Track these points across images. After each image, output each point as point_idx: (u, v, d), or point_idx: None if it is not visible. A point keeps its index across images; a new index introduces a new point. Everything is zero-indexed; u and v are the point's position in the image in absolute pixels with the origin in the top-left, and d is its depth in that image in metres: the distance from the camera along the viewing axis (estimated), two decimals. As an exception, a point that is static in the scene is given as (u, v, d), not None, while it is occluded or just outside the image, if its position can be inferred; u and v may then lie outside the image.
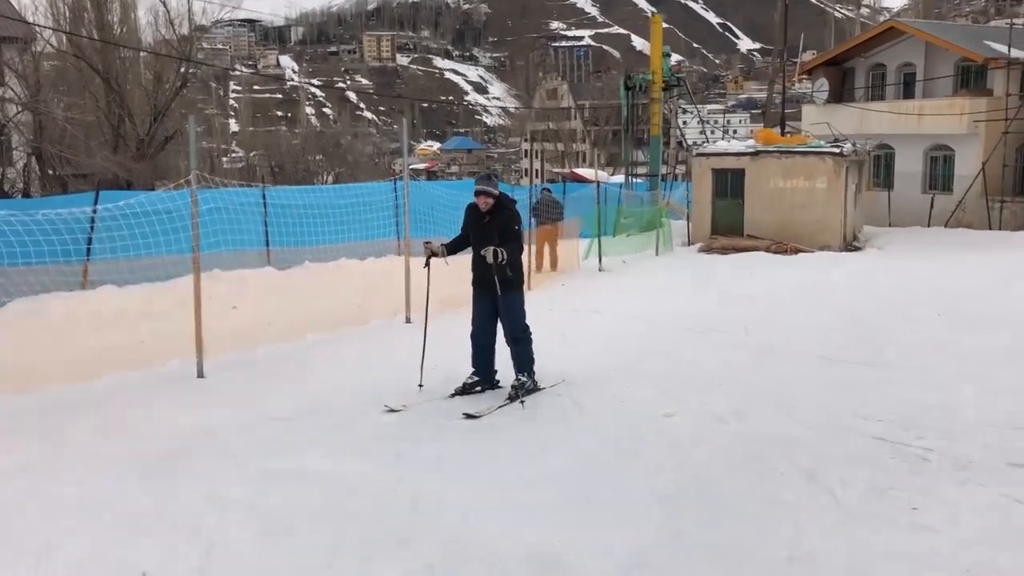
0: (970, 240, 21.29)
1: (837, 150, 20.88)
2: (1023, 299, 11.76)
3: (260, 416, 6.85)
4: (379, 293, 12.45)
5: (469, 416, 6.69)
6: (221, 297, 12.79)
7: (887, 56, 28.70)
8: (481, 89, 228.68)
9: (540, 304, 11.03)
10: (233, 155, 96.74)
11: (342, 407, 7.11)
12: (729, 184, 22.03)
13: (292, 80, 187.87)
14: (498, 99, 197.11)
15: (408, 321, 11.13)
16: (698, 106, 42.25)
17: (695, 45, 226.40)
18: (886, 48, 28.61)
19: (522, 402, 7.05)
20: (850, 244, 21.13)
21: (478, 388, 7.46)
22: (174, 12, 31.17)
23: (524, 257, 7.71)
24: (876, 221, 25.76)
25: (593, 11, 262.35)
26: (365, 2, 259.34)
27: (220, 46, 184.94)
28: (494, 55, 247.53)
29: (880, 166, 28.14)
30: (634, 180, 29.88)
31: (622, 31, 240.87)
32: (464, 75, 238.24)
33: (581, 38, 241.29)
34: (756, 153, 21.65)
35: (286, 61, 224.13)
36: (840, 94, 29.53)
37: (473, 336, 7.49)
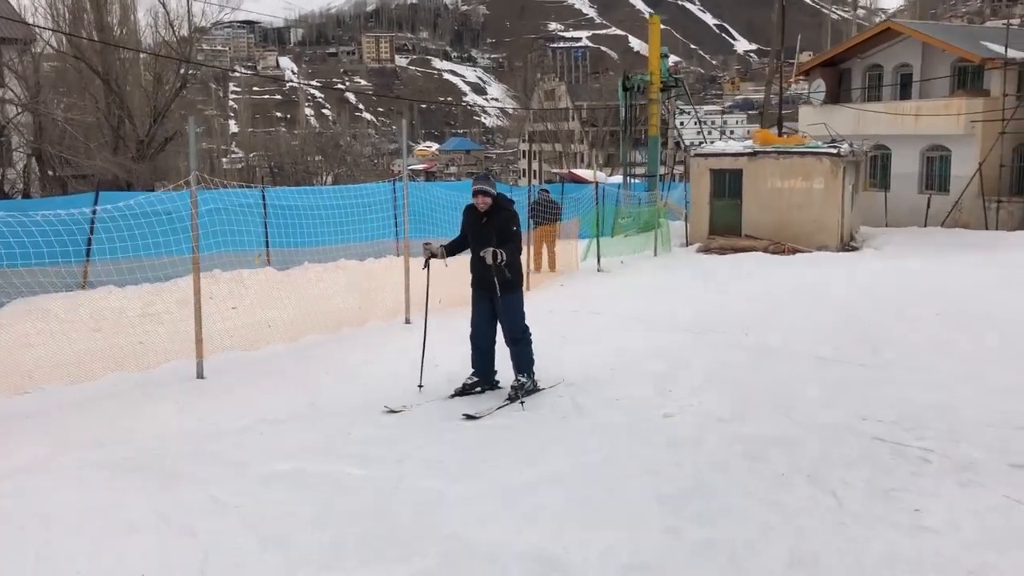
0: (967, 240, 21.31)
1: (834, 151, 20.91)
2: (1020, 299, 11.80)
3: (260, 418, 6.84)
4: (379, 294, 12.47)
5: (469, 417, 6.70)
6: (221, 298, 12.80)
7: (884, 57, 28.73)
8: (479, 90, 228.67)
9: (539, 305, 11.04)
10: (233, 156, 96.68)
11: (342, 408, 7.11)
12: (727, 184, 22.05)
13: (291, 81, 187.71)
14: (496, 100, 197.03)
15: (408, 322, 11.15)
16: (696, 107, 42.28)
17: (692, 46, 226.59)
18: (883, 49, 28.64)
19: (522, 403, 7.07)
20: (847, 244, 21.16)
21: (478, 389, 7.48)
22: (173, 14, 31.20)
23: (522, 258, 7.73)
24: (873, 221, 25.79)
25: (591, 12, 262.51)
26: (364, 3, 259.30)
27: (220, 47, 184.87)
28: (492, 56, 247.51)
29: (877, 166, 28.17)
30: (632, 181, 29.92)
31: (620, 32, 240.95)
32: (462, 76, 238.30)
33: (579, 39, 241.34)
34: (754, 154, 21.67)
35: (285, 62, 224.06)
36: (837, 95, 29.57)
37: (473, 337, 7.51)
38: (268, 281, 14.63)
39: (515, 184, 58.21)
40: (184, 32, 31.62)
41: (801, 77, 32.15)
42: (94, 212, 13.85)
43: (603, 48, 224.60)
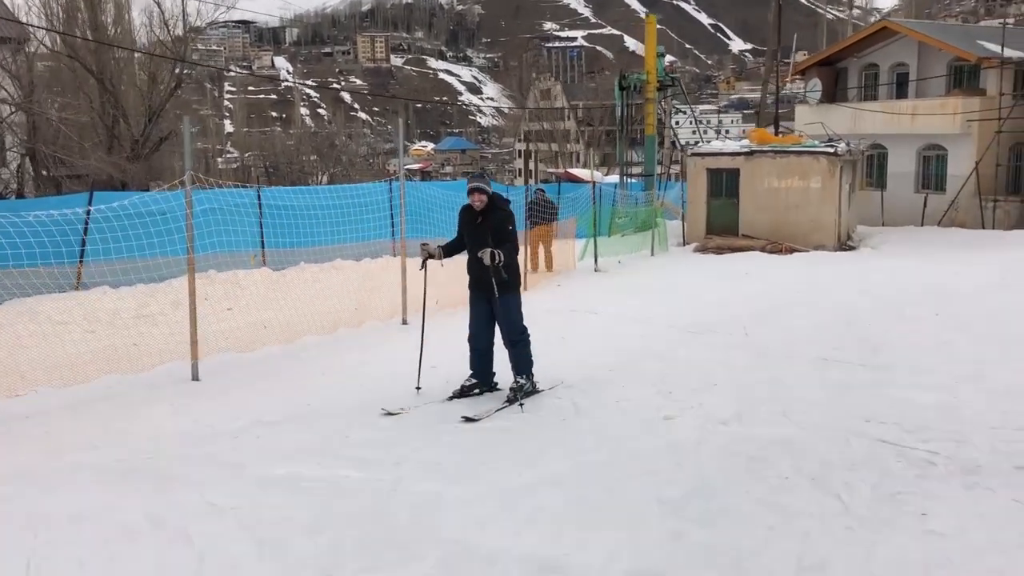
0: (964, 239, 21.30)
1: (831, 150, 20.89)
2: (1019, 299, 11.76)
3: (255, 420, 6.78)
4: (375, 295, 12.40)
5: (468, 419, 6.63)
6: (216, 299, 12.72)
7: (880, 56, 28.73)
8: (475, 90, 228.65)
9: (536, 305, 10.99)
10: (228, 156, 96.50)
11: (339, 410, 7.05)
12: (724, 184, 22.01)
13: (287, 81, 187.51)
14: (492, 100, 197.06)
15: (405, 323, 11.09)
16: (692, 107, 42.26)
17: (687, 46, 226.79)
18: (879, 48, 28.64)
19: (521, 404, 7.01)
20: (844, 244, 21.14)
21: (476, 391, 7.42)
22: (168, 13, 31.06)
23: (519, 258, 7.68)
24: (869, 221, 25.78)
25: (586, 12, 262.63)
26: (359, 3, 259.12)
27: (215, 47, 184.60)
28: (488, 56, 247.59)
29: (873, 166, 28.16)
30: (629, 180, 29.89)
31: (615, 32, 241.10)
32: (458, 76, 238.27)
33: (574, 39, 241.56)
34: (751, 153, 21.63)
35: (280, 62, 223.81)
36: (833, 94, 29.57)
37: (471, 339, 7.45)
38: (264, 282, 14.55)
39: (511, 184, 58.16)
40: (179, 31, 31.51)
41: (797, 76, 32.13)
42: (88, 212, 13.76)
43: (598, 48, 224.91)
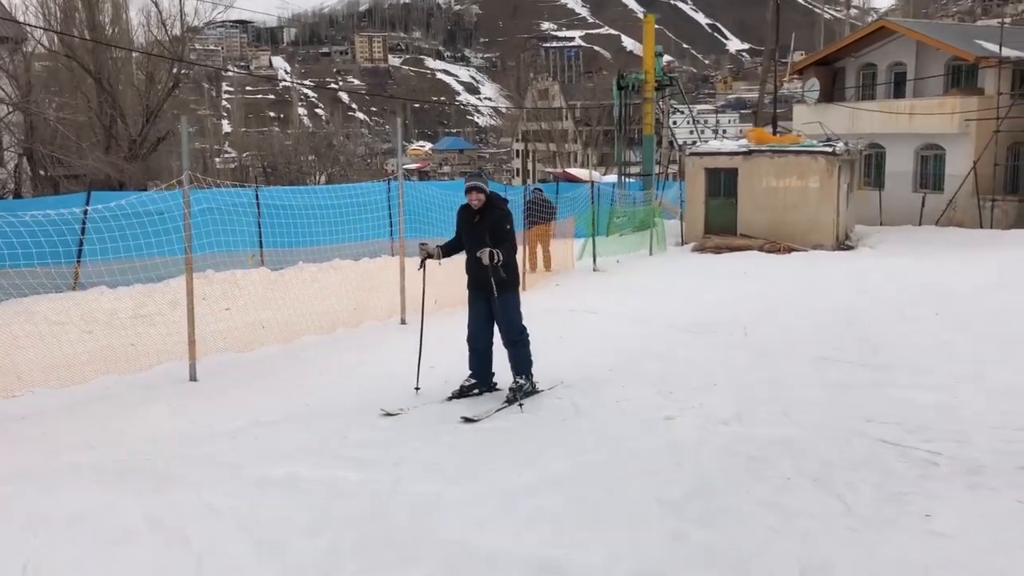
0: (962, 239, 21.29)
1: (830, 149, 20.88)
2: (1019, 298, 11.75)
3: (254, 421, 6.75)
4: (374, 294, 12.37)
5: (467, 420, 6.60)
6: (214, 299, 12.70)
7: (878, 56, 28.73)
8: (472, 89, 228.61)
9: (535, 304, 10.96)
10: (226, 156, 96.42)
11: (337, 411, 7.02)
12: (722, 183, 21.99)
13: (284, 81, 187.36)
14: (489, 99, 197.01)
15: (403, 323, 11.06)
16: (690, 106, 42.27)
17: (684, 45, 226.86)
18: (877, 48, 28.65)
19: (520, 405, 6.98)
20: (842, 243, 21.12)
21: (475, 391, 7.39)
22: (166, 13, 31.07)
23: (518, 257, 7.66)
24: (867, 220, 25.77)
25: (583, 12, 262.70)
26: (357, 3, 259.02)
27: (212, 47, 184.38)
28: (485, 56, 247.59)
29: (871, 165, 28.16)
30: (627, 180, 29.88)
31: (612, 32, 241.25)
32: (456, 76, 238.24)
33: (572, 39, 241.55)
34: (749, 152, 21.61)
35: (278, 62, 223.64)
36: (831, 94, 29.56)
37: (470, 339, 7.42)
38: (262, 281, 14.52)
39: (508, 183, 58.16)
40: (177, 31, 31.46)
41: (795, 76, 32.12)
42: (85, 212, 13.71)
43: (596, 48, 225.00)
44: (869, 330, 9.86)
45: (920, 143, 26.53)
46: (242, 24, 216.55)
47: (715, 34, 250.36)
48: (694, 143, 25.83)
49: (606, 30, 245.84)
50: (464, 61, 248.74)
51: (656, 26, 29.09)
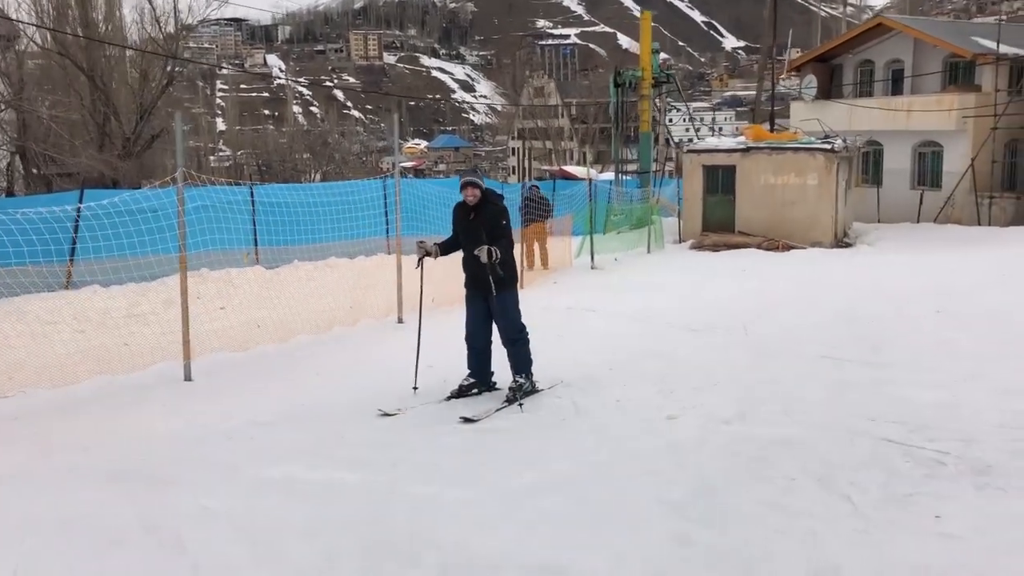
0: (960, 236, 21.25)
1: (828, 146, 20.81)
2: (1018, 296, 11.68)
3: (249, 421, 6.65)
4: (370, 293, 12.26)
5: (467, 420, 6.51)
6: (208, 297, 12.59)
7: (875, 53, 28.68)
8: (468, 87, 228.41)
9: (533, 302, 10.85)
10: (220, 154, 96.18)
11: (335, 411, 6.93)
12: (720, 181, 21.92)
13: (279, 78, 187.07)
14: (485, 97, 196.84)
15: (400, 321, 10.96)
16: (687, 104, 42.24)
17: (680, 43, 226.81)
18: (874, 44, 28.60)
19: (520, 404, 6.89)
20: (841, 241, 21.07)
21: (474, 390, 7.29)
22: (160, 10, 30.82)
23: (515, 254, 7.56)
24: (865, 218, 25.72)
25: (579, 9, 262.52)
26: (351, 1, 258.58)
27: (207, 45, 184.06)
28: (481, 53, 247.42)
29: (868, 162, 28.11)
30: (624, 177, 29.79)
31: (608, 29, 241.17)
32: (451, 73, 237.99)
33: (567, 36, 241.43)
34: (747, 149, 21.53)
35: (273, 60, 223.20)
36: (828, 91, 29.50)
37: (468, 338, 7.33)
38: (257, 280, 14.42)
39: (504, 181, 58.09)
40: (171, 29, 31.28)
41: (793, 72, 32.07)
42: (78, 210, 13.58)
43: (591, 45, 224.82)
44: (869, 328, 9.78)
45: (918, 140, 26.49)
46: (236, 22, 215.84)
47: (711, 32, 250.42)
48: (690, 140, 25.74)
49: (602, 28, 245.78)
50: (459, 59, 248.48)
51: (652, 23, 28.96)
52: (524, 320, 7.34)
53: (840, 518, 4.50)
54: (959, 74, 26.36)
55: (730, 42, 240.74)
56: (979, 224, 23.95)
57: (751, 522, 4.49)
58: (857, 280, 14.10)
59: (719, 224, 21.71)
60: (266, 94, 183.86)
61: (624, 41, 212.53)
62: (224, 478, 5.32)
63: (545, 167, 59.48)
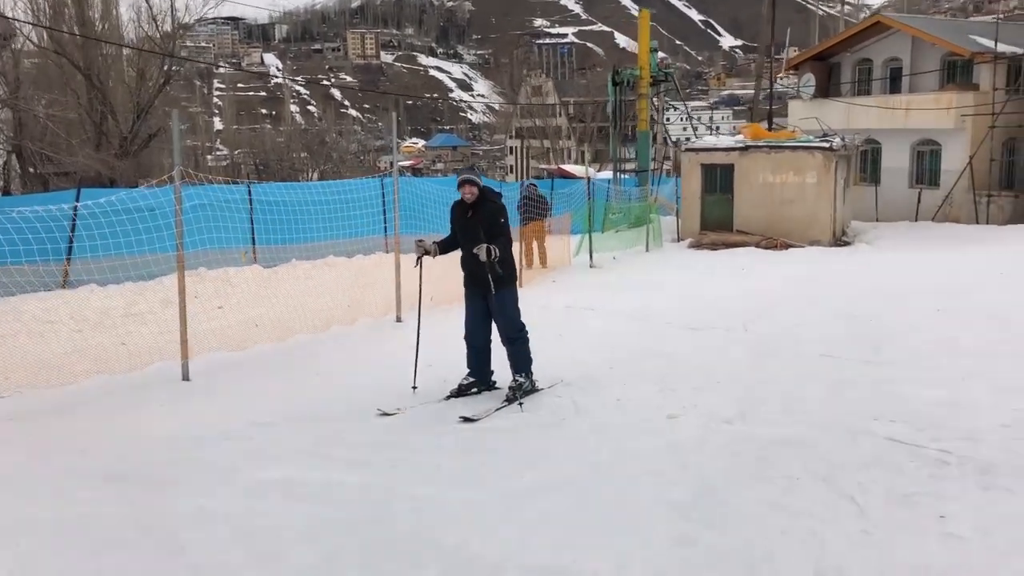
0: (959, 235, 21.24)
1: (827, 144, 20.78)
2: (1017, 295, 11.66)
3: (248, 422, 6.59)
4: (369, 292, 12.21)
5: (467, 419, 6.47)
6: (206, 297, 12.53)
7: (873, 51, 28.66)
8: (466, 86, 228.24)
9: (532, 301, 10.81)
10: (218, 153, 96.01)
11: (333, 412, 6.87)
12: (718, 179, 21.88)
13: (276, 77, 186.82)
14: (483, 96, 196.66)
15: (399, 320, 10.91)
16: (685, 103, 42.19)
17: (677, 42, 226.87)
18: (872, 43, 28.57)
19: (520, 404, 6.84)
20: (839, 239, 21.04)
21: (474, 390, 7.25)
22: (156, 8, 30.76)
23: (513, 252, 7.52)
24: (863, 216, 25.70)
25: (576, 8, 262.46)
26: (349, 0, 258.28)
27: (204, 44, 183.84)
28: (478, 52, 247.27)
29: (867, 161, 28.08)
30: (622, 176, 29.71)
31: (605, 28, 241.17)
32: (448, 72, 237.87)
33: (565, 35, 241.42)
34: (745, 148, 21.50)
35: (270, 59, 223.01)
36: (827, 89, 29.46)
37: (467, 337, 7.28)
38: (255, 279, 14.36)
39: (502, 180, 58.03)
40: (167, 27, 31.22)
41: (791, 71, 32.03)
42: (75, 209, 13.51)
43: (589, 44, 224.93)
44: (869, 327, 9.75)
45: (916, 139, 26.46)
46: (233, 21, 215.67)
47: (708, 30, 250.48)
48: (687, 139, 25.70)
49: (599, 27, 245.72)
50: (457, 58, 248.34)
51: (649, 22, 28.86)
52: (523, 319, 7.30)
53: (843, 518, 4.46)
54: (957, 73, 26.34)
55: (727, 41, 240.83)
56: (977, 223, 23.93)
57: (756, 523, 4.46)
58: (856, 279, 14.07)
59: (717, 223, 21.68)
60: (263, 93, 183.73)
61: (622, 40, 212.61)
62: (222, 479, 5.27)
63: (543, 166, 59.41)
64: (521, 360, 7.16)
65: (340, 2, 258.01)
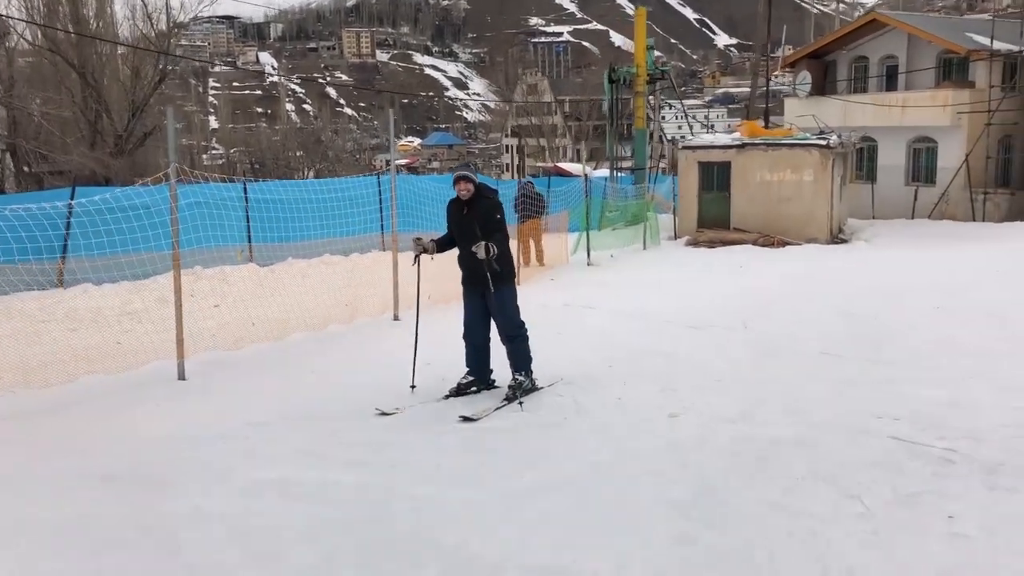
0: (955, 232, 21.24)
1: (824, 142, 20.77)
2: (1016, 293, 11.64)
3: (244, 422, 6.53)
4: (366, 290, 12.15)
5: (466, 419, 6.42)
6: (202, 295, 12.46)
7: (869, 48, 28.66)
8: (461, 85, 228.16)
9: (530, 299, 10.75)
10: (213, 152, 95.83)
11: (331, 411, 6.82)
12: (715, 177, 21.86)
13: (272, 76, 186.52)
14: (478, 95, 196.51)
15: (396, 319, 10.85)
16: (681, 101, 42.18)
17: (672, 41, 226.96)
18: (868, 40, 28.57)
19: (520, 403, 6.79)
20: (836, 237, 21.03)
21: (473, 389, 7.20)
22: (151, 7, 30.65)
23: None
24: (859, 214, 25.70)
25: (572, 7, 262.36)
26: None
27: (199, 43, 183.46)
28: (473, 51, 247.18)
29: (863, 159, 28.08)
30: (619, 174, 29.70)
31: (601, 27, 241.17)
32: (444, 71, 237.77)
33: (560, 34, 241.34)
34: (742, 146, 21.48)
35: (265, 58, 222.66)
36: (823, 87, 29.45)
37: (466, 335, 7.24)
38: (251, 277, 14.27)
39: (499, 178, 57.97)
40: (163, 26, 31.12)
41: (788, 69, 32.03)
42: (70, 207, 13.42)
43: (584, 43, 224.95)
44: (870, 325, 9.73)
45: (912, 136, 26.47)
46: (228, 20, 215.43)
47: (703, 29, 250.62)
48: (683, 137, 25.68)
49: (595, 25, 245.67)
50: (452, 56, 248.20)
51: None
52: (522, 317, 7.25)
53: (851, 519, 4.42)
54: (953, 70, 26.36)
55: (722, 39, 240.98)
56: (973, 220, 23.95)
57: (758, 523, 4.42)
58: (854, 276, 14.05)
59: (714, 220, 21.66)
60: (259, 92, 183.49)
61: (617, 39, 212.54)
62: (219, 479, 5.22)
63: (539, 164, 59.38)
64: (521, 359, 7.11)
65: (335, 1, 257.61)
